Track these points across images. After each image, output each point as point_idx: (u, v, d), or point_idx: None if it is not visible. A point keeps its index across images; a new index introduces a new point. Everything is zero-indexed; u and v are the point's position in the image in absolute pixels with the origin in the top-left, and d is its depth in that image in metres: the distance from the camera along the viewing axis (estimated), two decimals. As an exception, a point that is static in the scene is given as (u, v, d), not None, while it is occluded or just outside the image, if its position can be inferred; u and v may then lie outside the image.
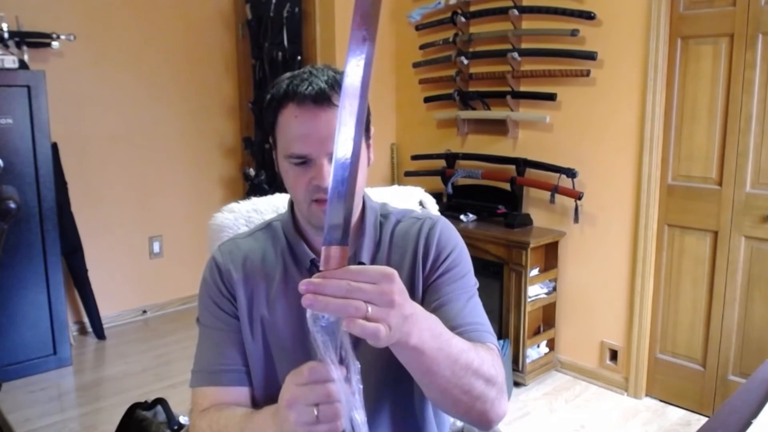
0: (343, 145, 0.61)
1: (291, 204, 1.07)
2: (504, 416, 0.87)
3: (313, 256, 1.01)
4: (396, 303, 0.63)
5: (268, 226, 1.10)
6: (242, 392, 1.02)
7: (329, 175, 0.90)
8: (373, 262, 1.01)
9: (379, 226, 1.05)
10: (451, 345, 0.76)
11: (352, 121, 0.60)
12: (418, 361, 0.72)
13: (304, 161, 0.92)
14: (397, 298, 0.63)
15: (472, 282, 1.03)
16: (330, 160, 0.92)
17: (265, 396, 1.02)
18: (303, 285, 0.61)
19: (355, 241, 1.02)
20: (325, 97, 0.91)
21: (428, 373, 0.75)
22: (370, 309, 0.61)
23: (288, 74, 0.97)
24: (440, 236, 1.03)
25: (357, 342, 0.98)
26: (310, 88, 0.91)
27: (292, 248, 1.03)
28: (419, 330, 0.68)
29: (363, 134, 0.61)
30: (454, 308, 0.92)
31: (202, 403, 1.01)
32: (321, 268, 0.62)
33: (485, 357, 0.83)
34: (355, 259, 1.01)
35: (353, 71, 0.59)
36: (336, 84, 0.93)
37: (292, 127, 0.92)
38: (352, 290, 0.61)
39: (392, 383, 1.00)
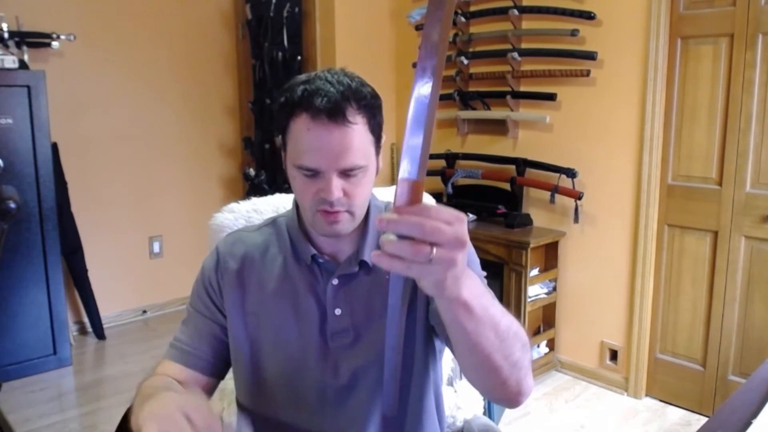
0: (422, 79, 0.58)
1: (296, 202, 1.08)
2: (531, 392, 0.86)
3: (314, 252, 1.02)
4: (467, 245, 0.60)
5: (273, 222, 1.11)
6: (200, 378, 1.04)
7: (337, 190, 0.91)
8: None
9: None
10: (494, 304, 0.75)
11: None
12: (466, 318, 0.70)
13: (312, 173, 0.92)
14: (468, 241, 0.61)
15: (480, 272, 1.04)
16: (340, 175, 0.92)
17: (252, 387, 1.04)
18: (378, 219, 0.59)
19: (358, 240, 1.02)
20: (340, 112, 0.89)
21: (474, 333, 0.72)
22: (435, 250, 0.58)
23: (303, 77, 0.95)
24: None
25: (357, 337, 0.99)
26: (325, 100, 0.88)
27: (294, 245, 1.04)
28: (468, 286, 0.67)
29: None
30: None
31: (158, 370, 1.04)
32: (395, 204, 0.59)
33: (519, 324, 0.82)
34: (357, 258, 1.02)
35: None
36: (351, 95, 0.90)
37: (304, 138, 0.91)
38: (429, 230, 0.57)
39: None
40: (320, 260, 1.02)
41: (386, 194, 1.17)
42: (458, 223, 0.59)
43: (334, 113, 0.89)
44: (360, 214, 0.98)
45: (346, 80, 0.92)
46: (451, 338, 0.77)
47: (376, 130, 0.96)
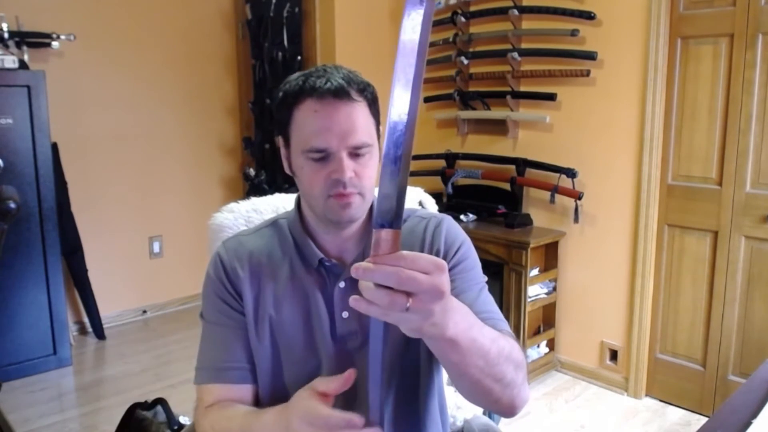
0: (397, 108, 0.56)
1: (298, 202, 1.06)
2: (527, 401, 0.87)
3: (321, 255, 1.01)
4: (445, 295, 0.61)
5: (273, 224, 1.09)
6: (248, 390, 1.02)
7: (349, 169, 0.91)
8: None
9: None
10: (484, 334, 0.75)
11: (409, 81, 0.55)
12: (452, 352, 0.71)
13: (323, 156, 0.92)
14: (446, 290, 0.61)
15: (481, 276, 1.04)
16: (350, 154, 0.92)
17: (271, 394, 1.02)
18: (354, 268, 0.58)
19: (364, 240, 1.02)
20: (345, 91, 0.91)
21: (462, 364, 0.73)
22: (411, 301, 0.58)
23: (299, 73, 0.97)
24: (447, 233, 1.04)
25: (366, 339, 0.98)
26: (329, 83, 0.91)
27: (299, 247, 1.03)
28: (455, 322, 0.67)
29: (419, 98, 0.56)
30: (467, 299, 0.92)
31: (207, 399, 1.01)
32: (371, 252, 0.58)
33: (513, 343, 0.84)
34: (363, 259, 1.00)
35: (410, 25, 0.54)
36: (352, 80, 0.93)
37: (312, 121, 0.92)
38: (404, 279, 0.57)
39: (396, 379, 1.00)
40: (327, 263, 1.01)
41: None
42: (437, 272, 0.59)
43: (340, 92, 0.91)
44: (369, 198, 0.98)
45: (344, 70, 0.96)
46: (441, 365, 0.78)
47: (375, 115, 0.97)
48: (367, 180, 0.95)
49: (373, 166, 0.97)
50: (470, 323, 0.72)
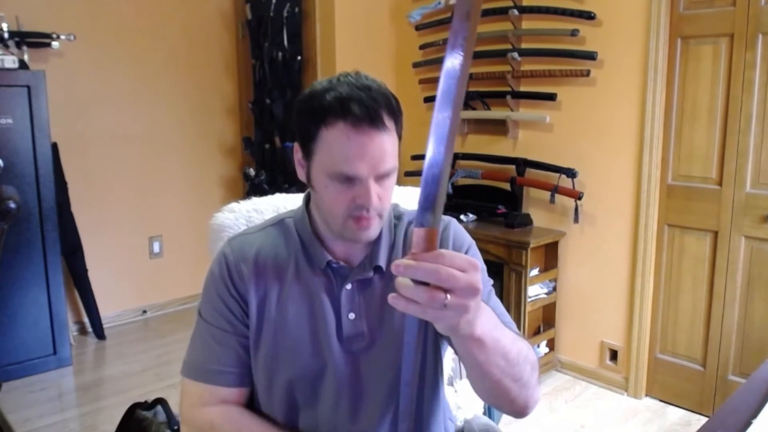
0: (433, 154, 0.57)
1: (306, 202, 1.06)
2: (537, 404, 0.90)
3: (329, 258, 1.00)
4: (479, 292, 0.63)
5: (280, 223, 1.08)
6: (236, 392, 1.03)
7: (375, 195, 0.91)
8: (389, 264, 1.02)
9: (393, 228, 1.06)
10: (505, 335, 0.78)
11: (449, 105, 0.58)
12: (478, 351, 0.73)
13: (350, 181, 0.91)
14: (481, 288, 0.63)
15: (488, 279, 1.05)
16: (376, 180, 0.92)
17: (272, 394, 1.03)
18: (395, 265, 0.60)
19: (371, 243, 1.02)
20: (379, 118, 0.89)
21: (486, 363, 0.76)
22: (449, 297, 0.60)
23: (324, 84, 0.93)
24: (455, 237, 1.05)
25: (372, 341, 0.99)
26: (363, 108, 0.88)
27: (307, 248, 1.02)
28: (482, 321, 0.69)
29: (454, 145, 0.58)
30: None
31: (206, 397, 1.02)
32: (411, 250, 0.60)
33: (528, 345, 0.86)
34: (371, 263, 1.01)
35: (449, 69, 0.58)
36: (382, 99, 0.90)
37: (344, 147, 0.89)
38: (444, 276, 0.59)
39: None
40: (334, 265, 1.01)
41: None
42: (472, 270, 0.61)
43: (375, 119, 0.89)
44: (385, 216, 0.99)
45: (373, 84, 0.92)
46: (463, 365, 0.81)
47: (399, 132, 0.96)
48: (387, 202, 0.96)
49: (393, 186, 0.97)
50: (494, 323, 0.75)
